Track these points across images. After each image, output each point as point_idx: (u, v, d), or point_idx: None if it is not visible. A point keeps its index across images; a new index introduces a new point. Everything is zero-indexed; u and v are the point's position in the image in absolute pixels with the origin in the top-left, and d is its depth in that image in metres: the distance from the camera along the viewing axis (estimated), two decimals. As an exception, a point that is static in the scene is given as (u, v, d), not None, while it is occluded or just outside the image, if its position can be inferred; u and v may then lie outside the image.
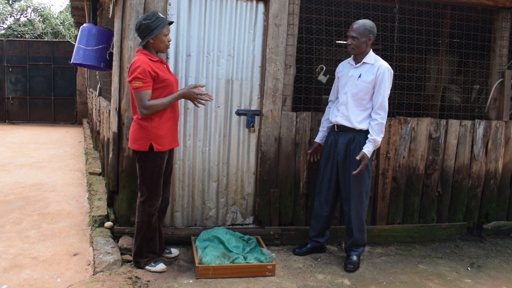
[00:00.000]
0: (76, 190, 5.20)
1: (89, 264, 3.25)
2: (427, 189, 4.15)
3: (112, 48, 3.79)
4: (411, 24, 4.22)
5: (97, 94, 6.70)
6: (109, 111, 3.95)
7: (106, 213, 3.83)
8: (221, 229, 3.54)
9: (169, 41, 3.10)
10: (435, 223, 4.22)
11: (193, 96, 3.12)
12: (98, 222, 3.75)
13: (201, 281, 3.08)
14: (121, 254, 3.31)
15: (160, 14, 3.05)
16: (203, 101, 3.17)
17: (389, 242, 4.05)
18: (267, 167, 3.76)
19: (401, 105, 4.31)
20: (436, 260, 3.78)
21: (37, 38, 16.41)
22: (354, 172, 3.31)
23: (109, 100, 4.18)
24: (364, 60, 3.39)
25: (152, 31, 2.97)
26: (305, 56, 4.00)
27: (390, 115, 3.89)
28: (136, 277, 3.03)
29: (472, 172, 4.27)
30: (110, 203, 3.88)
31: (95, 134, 7.33)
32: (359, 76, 3.37)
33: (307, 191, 3.88)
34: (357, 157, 3.29)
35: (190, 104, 3.58)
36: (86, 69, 10.94)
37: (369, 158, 3.31)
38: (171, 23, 3.10)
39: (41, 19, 17.76)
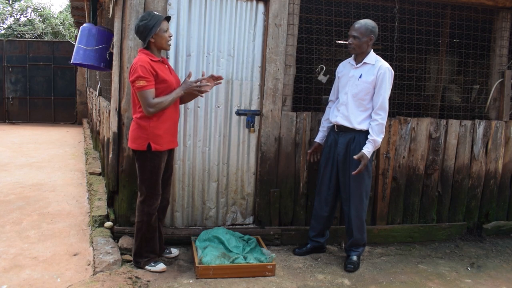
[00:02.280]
0: (76, 190, 5.20)
1: (89, 264, 3.25)
2: (427, 189, 4.15)
3: (112, 48, 3.79)
4: (411, 24, 4.22)
5: (97, 94, 6.70)
6: (109, 111, 3.95)
7: (106, 213, 3.84)
8: (221, 229, 3.54)
9: (170, 36, 3.08)
10: (435, 223, 4.22)
11: (192, 88, 3.12)
12: (98, 222, 3.75)
13: (201, 281, 3.08)
14: (121, 254, 3.31)
15: (155, 12, 3.05)
16: (204, 90, 3.16)
17: (389, 242, 4.05)
18: (267, 167, 3.76)
19: (401, 105, 4.31)
20: (436, 260, 3.78)
21: (37, 38, 16.41)
22: (354, 173, 3.30)
23: (109, 100, 4.18)
24: (365, 60, 3.38)
25: (151, 30, 2.97)
26: (305, 56, 4.00)
27: (390, 115, 3.88)
28: (136, 277, 3.03)
29: (472, 172, 4.27)
30: (110, 203, 3.88)
31: (95, 134, 7.33)
32: (360, 77, 3.37)
33: (307, 191, 3.88)
34: (355, 157, 3.29)
35: (190, 104, 3.58)
36: (86, 69, 10.93)
37: (368, 159, 3.31)
38: (168, 18, 3.10)
39: (41, 19, 17.76)
